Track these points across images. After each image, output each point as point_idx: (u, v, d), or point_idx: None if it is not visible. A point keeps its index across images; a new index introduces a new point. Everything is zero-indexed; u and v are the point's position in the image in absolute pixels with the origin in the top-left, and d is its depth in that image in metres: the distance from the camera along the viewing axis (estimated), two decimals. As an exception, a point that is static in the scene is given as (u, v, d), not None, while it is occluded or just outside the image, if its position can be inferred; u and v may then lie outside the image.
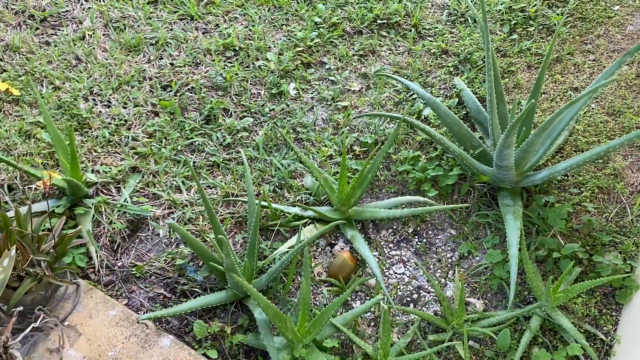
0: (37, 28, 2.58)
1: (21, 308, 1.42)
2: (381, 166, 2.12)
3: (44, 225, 1.71)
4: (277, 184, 2.07)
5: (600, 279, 1.66)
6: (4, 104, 2.25)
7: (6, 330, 1.40)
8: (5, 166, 2.04)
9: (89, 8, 2.66)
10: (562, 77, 2.38)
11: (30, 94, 2.29)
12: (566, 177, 2.04)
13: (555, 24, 2.57)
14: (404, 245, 1.96)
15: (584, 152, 1.98)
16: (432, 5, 2.74)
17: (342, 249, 1.94)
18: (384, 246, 1.96)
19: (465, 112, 2.26)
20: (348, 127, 2.24)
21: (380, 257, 1.92)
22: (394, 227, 2.00)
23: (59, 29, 2.58)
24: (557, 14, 2.60)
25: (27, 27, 2.58)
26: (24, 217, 1.58)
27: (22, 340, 1.54)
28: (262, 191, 2.02)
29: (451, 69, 2.43)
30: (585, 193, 1.98)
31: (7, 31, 2.53)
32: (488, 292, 1.83)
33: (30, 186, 1.98)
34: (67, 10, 2.66)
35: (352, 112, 2.28)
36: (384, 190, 2.08)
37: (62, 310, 1.69)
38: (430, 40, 2.56)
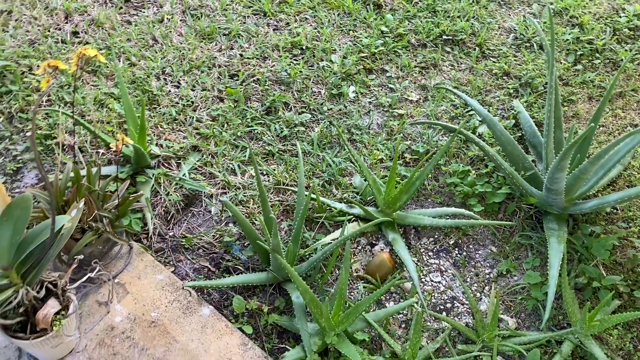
0: (121, 7, 2.75)
1: (82, 256, 1.53)
2: (430, 176, 2.16)
3: (108, 188, 1.83)
4: (327, 179, 2.14)
5: (639, 312, 1.64)
6: (84, 73, 2.41)
7: (66, 275, 1.51)
8: (78, 130, 2.18)
9: (170, -6, 2.82)
10: (623, 112, 2.37)
11: (107, 67, 2.44)
12: (615, 210, 2.03)
13: (622, 60, 2.55)
14: (444, 255, 1.99)
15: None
16: (499, 28, 2.77)
17: (382, 249, 1.99)
18: (423, 253, 1.99)
19: (520, 134, 2.28)
20: (402, 135, 2.29)
21: (419, 264, 1.96)
22: (436, 236, 2.03)
23: (140, 10, 2.74)
24: (626, 50, 2.59)
25: (112, 5, 2.75)
26: (94, 176, 1.70)
27: (76, 288, 1.65)
28: (311, 184, 2.09)
29: (511, 91, 2.46)
30: (634, 229, 1.96)
31: (94, 7, 2.71)
32: (522, 312, 1.84)
33: (98, 150, 2.12)
34: (150, -6, 2.83)
35: (407, 120, 2.34)
36: (429, 200, 2.12)
37: (114, 268, 1.80)
38: (493, 61, 2.59)
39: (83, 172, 1.74)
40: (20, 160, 2.14)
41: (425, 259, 1.97)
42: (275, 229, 1.64)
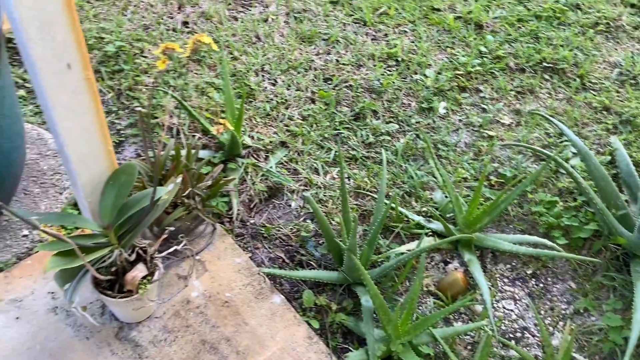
0: (230, 4, 2.90)
1: (173, 228, 1.62)
2: (515, 201, 2.11)
3: (202, 170, 1.93)
4: (407, 190, 2.14)
5: None
6: (189, 61, 2.55)
7: (156, 244, 1.60)
8: (177, 113, 2.31)
9: (277, -4, 2.94)
10: None
11: (211, 58, 2.58)
12: None
13: None
14: (519, 284, 1.94)
15: None
16: (604, 61, 2.68)
17: (456, 269, 1.97)
18: (498, 279, 1.95)
19: (615, 172, 2.18)
20: (490, 156, 2.26)
21: (492, 288, 1.92)
22: (513, 263, 1.98)
23: (247, 8, 2.88)
24: None
25: (222, 1, 2.90)
26: (192, 156, 1.80)
27: (161, 258, 1.75)
28: (392, 193, 2.10)
29: (610, 126, 2.36)
30: None
31: (206, 1, 2.87)
32: (597, 354, 1.76)
33: (194, 134, 2.24)
34: (257, -6, 2.96)
35: (497, 142, 2.30)
36: (510, 226, 2.08)
37: (197, 246, 1.89)
38: (594, 94, 2.51)
39: (182, 152, 1.84)
40: (123, 135, 2.30)
41: (499, 284, 1.93)
42: (355, 229, 1.67)
